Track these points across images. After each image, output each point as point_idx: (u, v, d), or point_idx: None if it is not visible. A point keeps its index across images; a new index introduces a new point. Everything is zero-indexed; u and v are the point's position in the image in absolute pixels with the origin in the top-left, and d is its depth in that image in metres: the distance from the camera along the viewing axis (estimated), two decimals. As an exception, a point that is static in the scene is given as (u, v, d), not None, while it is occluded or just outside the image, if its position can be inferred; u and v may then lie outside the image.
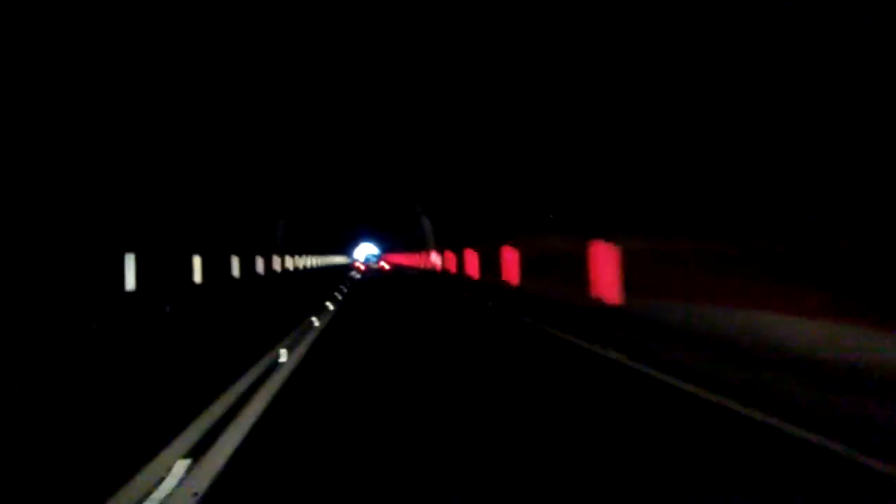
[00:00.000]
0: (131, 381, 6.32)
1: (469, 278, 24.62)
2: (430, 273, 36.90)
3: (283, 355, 7.58)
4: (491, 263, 20.09)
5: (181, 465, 3.52)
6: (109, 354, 8.27)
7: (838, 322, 5.30)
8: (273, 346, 8.26)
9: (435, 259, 38.45)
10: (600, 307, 9.93)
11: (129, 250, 14.09)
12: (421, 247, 46.99)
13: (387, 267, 61.75)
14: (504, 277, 18.00)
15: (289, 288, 25.30)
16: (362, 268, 59.65)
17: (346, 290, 21.13)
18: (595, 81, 9.34)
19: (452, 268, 30.99)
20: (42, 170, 9.75)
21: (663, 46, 7.31)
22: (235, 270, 23.85)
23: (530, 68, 10.37)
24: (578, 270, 10.90)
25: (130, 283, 14.02)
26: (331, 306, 15.34)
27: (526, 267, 16.17)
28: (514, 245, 17.22)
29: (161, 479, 3.29)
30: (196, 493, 3.15)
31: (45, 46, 7.99)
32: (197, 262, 18.66)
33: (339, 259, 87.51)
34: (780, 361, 5.73)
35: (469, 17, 9.21)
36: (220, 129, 15.71)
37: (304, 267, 48.44)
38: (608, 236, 10.03)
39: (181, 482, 3.29)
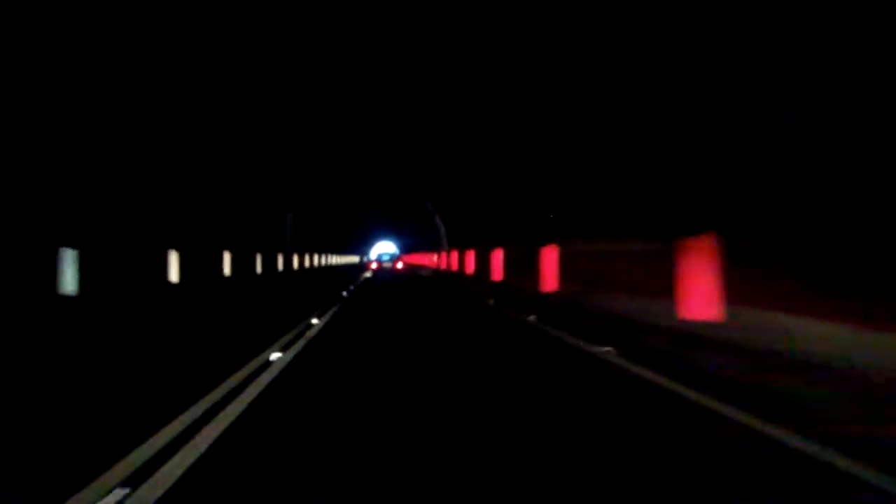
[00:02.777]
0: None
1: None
2: (443, 274, 38.34)
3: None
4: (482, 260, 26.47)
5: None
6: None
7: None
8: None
9: (446, 259, 41.12)
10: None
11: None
12: (435, 247, 49.25)
13: (400, 266, 63.78)
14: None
15: (308, 281, 31.50)
16: (374, 266, 61.20)
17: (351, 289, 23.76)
18: (612, 80, 10.43)
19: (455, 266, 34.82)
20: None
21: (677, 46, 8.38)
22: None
23: (546, 66, 11.45)
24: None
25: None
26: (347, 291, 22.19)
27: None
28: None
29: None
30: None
31: (57, 47, 8.81)
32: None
33: (350, 258, 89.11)
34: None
35: (489, 15, 10.29)
36: (237, 124, 17.30)
37: (316, 266, 51.61)
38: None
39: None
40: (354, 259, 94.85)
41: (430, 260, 56.12)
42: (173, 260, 18.05)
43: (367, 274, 44.29)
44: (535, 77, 12.01)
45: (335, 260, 72.36)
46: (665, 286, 9.09)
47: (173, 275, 18.04)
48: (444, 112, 16.56)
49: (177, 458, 3.57)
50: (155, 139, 14.34)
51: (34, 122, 9.94)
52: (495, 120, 15.70)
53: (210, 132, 16.46)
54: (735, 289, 7.83)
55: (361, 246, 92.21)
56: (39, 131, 10.13)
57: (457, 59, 12.50)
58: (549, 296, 15.79)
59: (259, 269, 28.75)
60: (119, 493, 3.03)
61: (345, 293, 20.60)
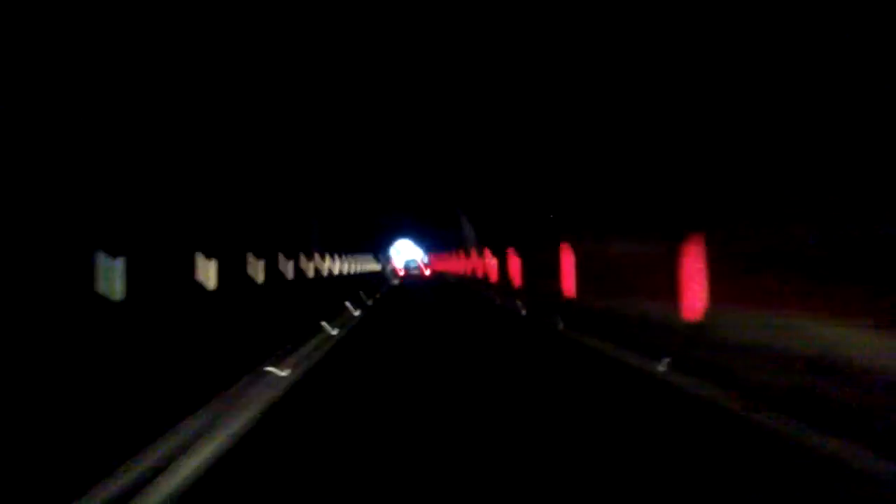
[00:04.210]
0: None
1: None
2: (490, 287, 31.95)
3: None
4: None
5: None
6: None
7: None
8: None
9: (482, 265, 36.79)
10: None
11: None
12: (462, 249, 46.83)
13: (427, 273, 62.30)
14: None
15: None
16: (402, 274, 59.91)
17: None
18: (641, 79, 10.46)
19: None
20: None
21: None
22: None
23: (576, 66, 11.60)
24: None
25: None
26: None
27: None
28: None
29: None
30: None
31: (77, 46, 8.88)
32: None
33: (368, 265, 79.90)
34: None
35: (516, 18, 10.43)
36: (260, 126, 17.19)
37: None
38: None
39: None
40: (373, 266, 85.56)
41: (461, 266, 51.76)
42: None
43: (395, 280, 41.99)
44: (572, 70, 11.97)
45: (349, 267, 63.00)
46: None
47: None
48: (475, 113, 16.36)
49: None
50: (189, 154, 14.58)
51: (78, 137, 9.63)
52: (532, 108, 15.04)
53: (233, 137, 16.39)
54: None
55: (382, 249, 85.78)
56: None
57: (482, 59, 12.67)
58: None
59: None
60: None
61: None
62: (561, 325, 13.42)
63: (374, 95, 16.40)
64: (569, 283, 15.49)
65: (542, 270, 18.42)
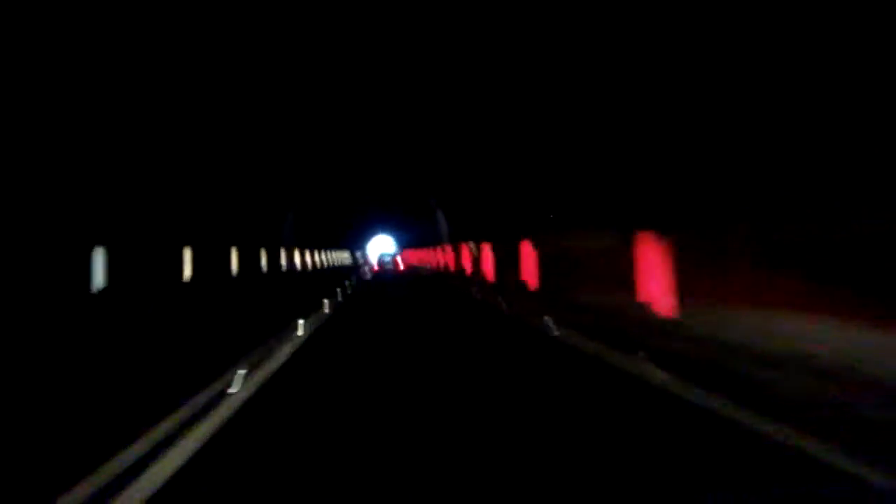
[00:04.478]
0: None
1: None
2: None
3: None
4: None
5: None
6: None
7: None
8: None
9: (468, 259, 32.74)
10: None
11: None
12: (436, 243, 45.08)
13: (401, 268, 58.50)
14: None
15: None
16: (376, 269, 56.49)
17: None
18: (614, 75, 10.84)
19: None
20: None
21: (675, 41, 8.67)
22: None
23: (550, 60, 11.87)
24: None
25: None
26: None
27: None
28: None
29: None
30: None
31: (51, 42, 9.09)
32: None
33: (339, 254, 75.62)
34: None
35: (491, 10, 10.68)
36: (237, 121, 17.17)
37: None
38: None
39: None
40: (343, 256, 76.39)
41: (437, 259, 48.80)
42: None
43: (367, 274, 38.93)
44: (544, 64, 12.26)
45: (323, 261, 58.65)
46: None
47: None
48: (449, 106, 17.07)
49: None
50: (167, 147, 15.24)
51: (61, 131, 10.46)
52: (501, 109, 15.93)
53: (210, 130, 16.81)
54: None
55: (355, 242, 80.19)
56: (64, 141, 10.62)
57: (453, 52, 12.93)
58: None
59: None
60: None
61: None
62: (658, 376, 7.48)
63: (351, 94, 16.79)
64: (666, 300, 9.87)
65: (585, 272, 13.62)
